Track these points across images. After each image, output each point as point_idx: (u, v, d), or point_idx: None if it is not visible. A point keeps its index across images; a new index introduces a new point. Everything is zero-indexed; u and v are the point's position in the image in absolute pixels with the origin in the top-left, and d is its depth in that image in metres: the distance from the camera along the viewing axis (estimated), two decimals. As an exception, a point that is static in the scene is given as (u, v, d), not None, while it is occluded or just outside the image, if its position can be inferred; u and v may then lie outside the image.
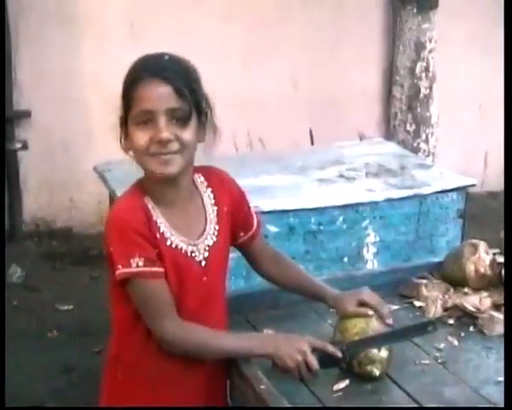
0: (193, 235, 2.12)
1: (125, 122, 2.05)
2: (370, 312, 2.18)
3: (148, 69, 2.01)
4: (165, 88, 1.99)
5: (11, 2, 5.67)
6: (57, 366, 4.32)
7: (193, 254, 2.10)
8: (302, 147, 6.00)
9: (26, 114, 5.88)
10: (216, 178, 2.19)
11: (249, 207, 2.30)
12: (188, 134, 2.02)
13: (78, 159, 5.99)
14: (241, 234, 2.27)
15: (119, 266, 1.98)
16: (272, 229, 3.29)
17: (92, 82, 5.97)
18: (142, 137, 2.00)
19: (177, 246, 2.07)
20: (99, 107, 5.91)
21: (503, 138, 6.80)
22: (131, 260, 1.97)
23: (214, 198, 2.18)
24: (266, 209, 3.23)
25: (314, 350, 2.04)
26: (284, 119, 6.47)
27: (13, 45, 5.73)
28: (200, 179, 2.19)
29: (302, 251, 3.34)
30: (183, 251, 2.09)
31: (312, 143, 6.38)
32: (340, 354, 2.07)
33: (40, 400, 3.98)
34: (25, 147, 5.88)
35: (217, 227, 2.16)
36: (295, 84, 6.52)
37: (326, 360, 2.05)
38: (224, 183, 2.23)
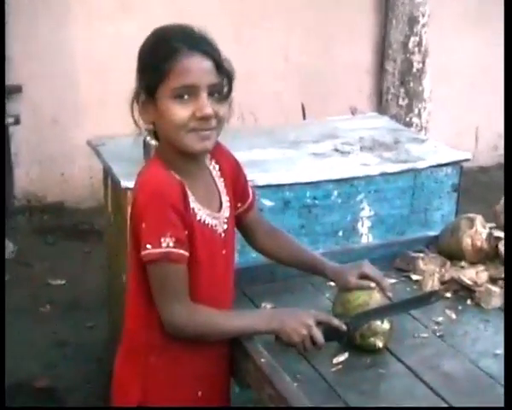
0: (213, 208, 2.11)
1: (149, 94, 1.98)
2: (372, 284, 2.18)
3: (186, 42, 1.95)
4: (207, 62, 1.95)
5: (1, -23, 5.63)
6: (50, 341, 4.33)
7: (215, 228, 2.10)
8: (294, 121, 5.99)
9: (17, 89, 5.84)
10: (216, 150, 2.16)
11: (245, 178, 2.29)
12: (224, 110, 1.99)
13: (69, 133, 5.98)
14: (239, 205, 2.26)
15: (149, 246, 1.93)
16: (267, 203, 3.28)
17: (82, 55, 5.94)
18: (181, 111, 1.94)
19: (204, 221, 2.06)
20: (89, 80, 5.90)
21: (493, 114, 6.82)
22: (162, 239, 1.92)
23: (220, 170, 2.17)
24: (261, 183, 3.23)
25: (319, 324, 2.04)
26: (275, 93, 6.47)
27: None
28: None
29: (297, 225, 3.34)
30: (209, 225, 2.07)
31: (304, 118, 6.35)
32: (344, 328, 2.07)
33: (32, 374, 3.99)
34: (17, 122, 5.85)
35: (227, 198, 2.16)
36: (286, 58, 6.51)
37: (330, 333, 2.05)
38: (223, 153, 2.21)
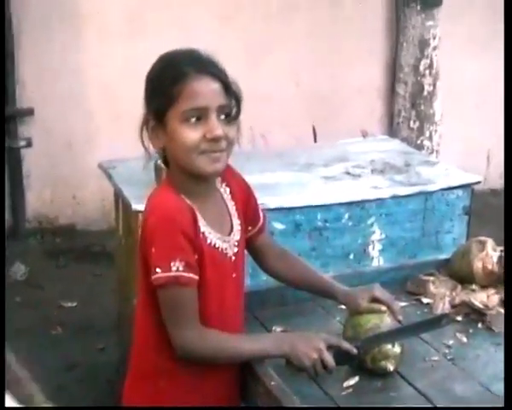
0: (224, 231, 2.11)
1: (158, 119, 1.99)
2: (383, 307, 2.18)
3: (195, 65, 1.96)
4: (215, 84, 1.96)
5: (14, 1, 5.67)
6: (61, 363, 4.32)
7: (225, 251, 2.10)
8: (305, 144, 6.00)
9: (29, 112, 5.87)
10: (227, 172, 2.16)
11: (256, 200, 2.30)
12: (233, 131, 2.01)
13: (81, 156, 6.00)
14: (250, 228, 2.26)
15: (158, 270, 1.94)
16: (278, 226, 3.29)
17: (94, 79, 5.96)
18: (192, 134, 1.95)
19: (215, 245, 2.06)
20: (101, 104, 5.92)
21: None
22: (172, 263, 1.93)
23: (230, 193, 2.18)
24: (272, 206, 3.23)
25: (329, 347, 2.03)
26: (286, 116, 6.47)
27: (15, 43, 5.72)
28: None
29: (308, 248, 3.34)
30: (220, 249, 2.08)
31: (315, 140, 6.37)
32: (355, 351, 2.06)
33: (44, 396, 3.98)
34: (29, 145, 5.88)
35: (238, 221, 2.16)
36: (297, 81, 6.52)
37: (341, 356, 2.05)
38: (234, 176, 2.22)
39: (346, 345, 2.06)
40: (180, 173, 2.04)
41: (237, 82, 2.04)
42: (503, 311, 2.42)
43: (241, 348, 2.06)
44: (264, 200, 3.12)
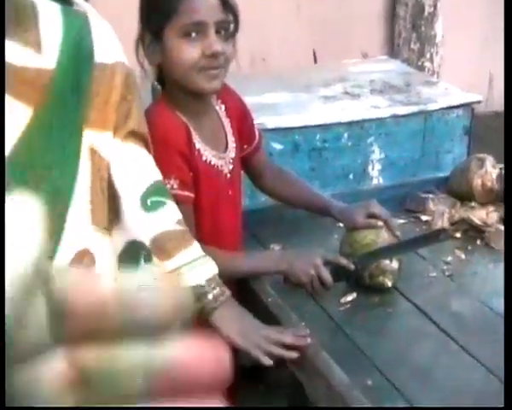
0: (219, 148, 2.09)
1: (155, 35, 1.95)
2: (380, 223, 2.16)
3: None
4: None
5: None
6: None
7: (221, 168, 2.08)
8: (306, 66, 5.94)
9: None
10: (223, 90, 2.12)
11: (252, 119, 2.28)
12: (230, 48, 1.97)
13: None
14: (245, 146, 2.24)
15: None
16: (277, 146, 3.26)
17: None
18: (191, 50, 1.91)
19: (210, 162, 2.04)
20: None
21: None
22: (167, 181, 1.89)
23: (226, 110, 2.15)
24: (271, 126, 3.20)
25: (327, 264, 2.02)
26: (287, 40, 6.39)
27: None
28: None
29: (307, 168, 3.31)
30: (215, 166, 2.06)
31: (316, 63, 6.31)
32: (352, 267, 2.06)
33: None
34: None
35: (233, 139, 2.14)
36: (298, 5, 6.42)
37: (338, 273, 2.04)
38: (230, 94, 2.19)
39: (344, 261, 2.05)
40: (176, 90, 2.01)
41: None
42: (502, 228, 2.40)
43: (239, 265, 2.06)
44: (263, 120, 3.10)
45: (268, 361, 1.75)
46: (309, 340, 1.77)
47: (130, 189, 1.62)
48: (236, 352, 2.28)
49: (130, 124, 1.47)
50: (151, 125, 1.96)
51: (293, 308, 1.96)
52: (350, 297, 2.09)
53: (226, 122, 2.14)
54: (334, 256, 2.08)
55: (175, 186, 1.92)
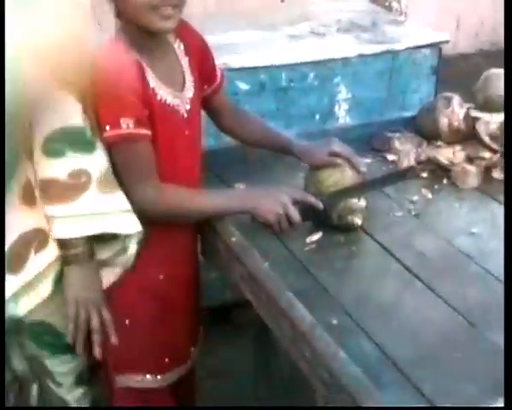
0: (175, 87, 2.03)
1: None
2: (340, 161, 2.13)
3: None
4: None
5: None
6: None
7: (177, 107, 2.03)
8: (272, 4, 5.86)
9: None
10: (182, 28, 2.07)
11: (213, 59, 2.22)
12: None
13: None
14: (206, 87, 2.19)
15: (108, 127, 1.87)
16: (242, 86, 3.21)
17: None
18: None
19: (165, 100, 1.98)
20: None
21: (474, 1, 6.68)
22: (122, 121, 1.86)
23: (184, 48, 2.09)
24: (236, 66, 3.15)
25: (294, 203, 1.99)
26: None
27: None
28: None
29: (273, 108, 3.27)
30: (171, 104, 2.00)
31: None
32: (321, 205, 2.03)
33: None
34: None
35: (192, 78, 2.08)
36: None
37: (306, 212, 2.01)
38: (189, 32, 2.12)
39: (312, 199, 2.02)
40: (131, 28, 1.95)
41: None
42: (468, 167, 2.39)
43: (203, 203, 2.02)
44: (227, 59, 3.06)
45: None
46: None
47: (39, 129, 1.75)
48: (202, 293, 2.29)
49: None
50: (103, 62, 1.92)
51: (258, 248, 1.93)
52: (315, 237, 2.07)
53: (184, 61, 2.08)
54: (302, 194, 2.05)
55: (130, 125, 1.87)
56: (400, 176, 2.24)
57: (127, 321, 2.08)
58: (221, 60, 2.26)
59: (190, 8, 2.04)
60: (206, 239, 2.13)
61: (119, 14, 1.97)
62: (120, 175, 1.93)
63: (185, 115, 2.05)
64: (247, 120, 2.33)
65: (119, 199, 1.88)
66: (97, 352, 1.93)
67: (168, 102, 1.99)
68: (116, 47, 1.95)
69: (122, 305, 2.06)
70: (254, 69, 3.24)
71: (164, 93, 1.98)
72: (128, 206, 1.89)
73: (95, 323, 1.93)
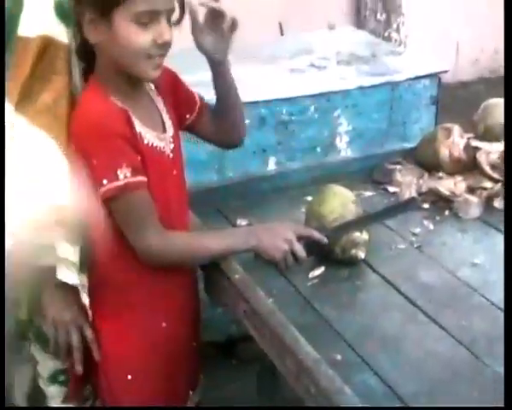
0: (157, 129, 2.02)
1: (101, 13, 1.84)
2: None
3: None
4: None
5: None
6: None
7: (163, 149, 2.01)
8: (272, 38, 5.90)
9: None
10: None
11: (185, 87, 2.18)
12: (172, 35, 1.91)
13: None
14: (188, 115, 2.17)
15: (105, 181, 1.84)
16: (243, 120, 3.22)
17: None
18: (142, 37, 1.84)
19: (152, 144, 1.97)
20: None
21: (475, 28, 6.71)
22: (119, 171, 1.84)
23: (156, 88, 2.08)
24: (236, 100, 3.16)
25: (298, 238, 1.98)
26: (252, 12, 6.33)
27: None
28: None
29: (274, 142, 3.28)
30: (157, 147, 1.99)
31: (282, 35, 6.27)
32: (326, 240, 2.02)
33: None
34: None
35: (168, 116, 2.07)
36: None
37: (310, 247, 2.01)
38: None
39: (317, 235, 2.02)
40: (111, 74, 1.93)
41: None
42: (470, 197, 2.40)
43: (208, 246, 2.00)
44: (228, 93, 3.06)
45: None
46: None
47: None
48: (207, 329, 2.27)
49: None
50: (87, 114, 1.90)
51: (261, 284, 1.93)
52: (318, 271, 2.07)
53: (158, 101, 2.07)
54: (306, 230, 2.04)
55: (128, 175, 1.85)
56: (402, 208, 2.24)
57: (129, 377, 2.05)
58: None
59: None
60: (209, 277, 2.13)
61: (89, 56, 1.95)
62: (122, 226, 1.92)
63: (171, 155, 2.03)
64: (213, 111, 2.24)
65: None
66: (78, 369, 2.02)
67: (155, 145, 1.98)
68: (97, 95, 1.92)
69: (124, 360, 2.05)
70: (255, 103, 3.24)
71: (150, 136, 1.96)
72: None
73: (74, 343, 2.00)
